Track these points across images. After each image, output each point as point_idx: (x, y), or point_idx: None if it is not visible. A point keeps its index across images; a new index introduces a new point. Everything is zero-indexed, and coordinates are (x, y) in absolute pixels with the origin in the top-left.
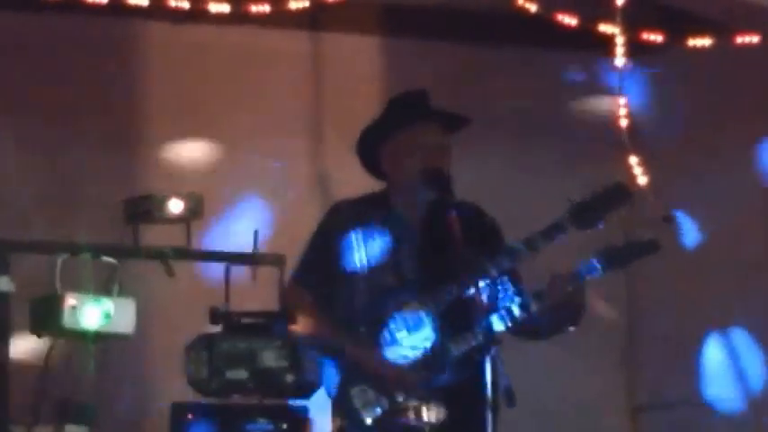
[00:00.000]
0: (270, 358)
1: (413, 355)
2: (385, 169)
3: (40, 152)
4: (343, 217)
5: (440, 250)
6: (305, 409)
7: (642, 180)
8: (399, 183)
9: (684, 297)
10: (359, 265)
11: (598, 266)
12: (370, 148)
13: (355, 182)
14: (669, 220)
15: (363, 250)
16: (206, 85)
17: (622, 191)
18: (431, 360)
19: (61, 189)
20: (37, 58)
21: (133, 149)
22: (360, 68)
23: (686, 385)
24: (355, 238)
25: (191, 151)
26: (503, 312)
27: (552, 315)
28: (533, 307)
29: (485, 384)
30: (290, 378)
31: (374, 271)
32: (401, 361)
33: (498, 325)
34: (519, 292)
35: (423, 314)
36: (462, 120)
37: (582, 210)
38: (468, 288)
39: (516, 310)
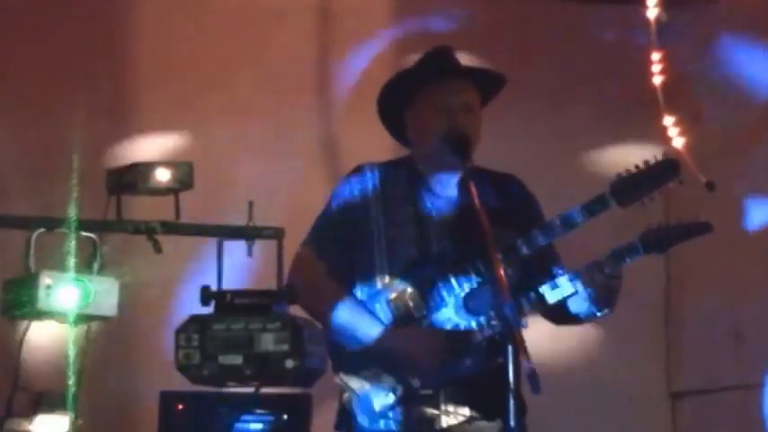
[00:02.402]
0: (268, 342)
1: (432, 337)
2: (409, 134)
3: (14, 117)
4: (365, 179)
5: (469, 224)
6: (307, 399)
7: (678, 142)
8: (424, 149)
9: (729, 274)
10: (378, 235)
11: (640, 248)
12: (394, 112)
13: (365, 147)
14: (712, 188)
15: (385, 218)
16: (200, 42)
17: (671, 165)
18: (452, 344)
19: (37, 157)
20: (14, 15)
21: (118, 114)
22: (370, 23)
23: (732, 369)
24: (377, 203)
25: (180, 116)
26: (533, 294)
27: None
28: (567, 289)
29: (507, 370)
30: (290, 364)
31: (396, 243)
32: (419, 344)
33: (528, 306)
34: (552, 273)
35: (445, 293)
36: (495, 78)
37: (626, 184)
38: (497, 266)
39: (548, 292)
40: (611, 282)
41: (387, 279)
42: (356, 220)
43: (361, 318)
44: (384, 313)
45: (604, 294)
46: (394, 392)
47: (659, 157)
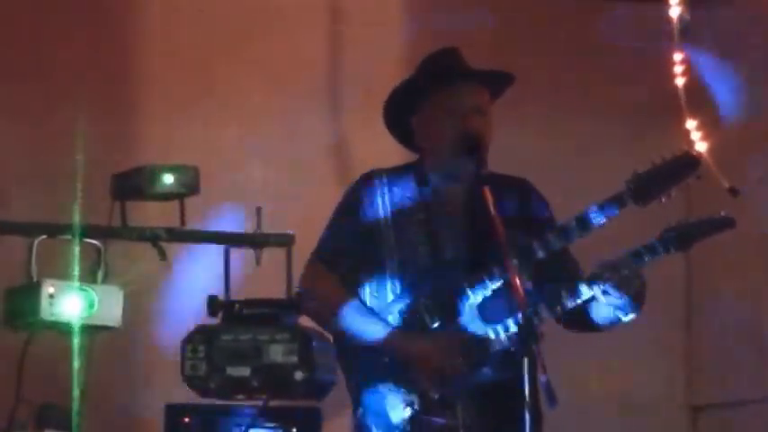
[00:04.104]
0: (277, 353)
1: (448, 337)
2: (418, 140)
3: (15, 120)
4: (374, 186)
5: (483, 230)
6: (317, 412)
7: (701, 146)
8: (435, 154)
9: (753, 282)
10: (389, 243)
11: (660, 247)
12: (400, 117)
13: (376, 152)
14: (736, 194)
15: (395, 226)
16: (207, 44)
17: (688, 159)
18: (469, 353)
19: (39, 161)
20: (16, 16)
21: (123, 117)
22: (381, 22)
23: (755, 382)
24: (387, 211)
25: (187, 119)
26: (549, 299)
27: (608, 303)
28: (585, 293)
29: (523, 382)
30: (299, 376)
31: (407, 251)
32: (435, 354)
33: (545, 313)
34: (569, 276)
35: (460, 301)
36: (504, 77)
37: (643, 181)
38: (513, 273)
39: (566, 297)
40: (632, 284)
41: (399, 288)
42: (366, 228)
43: (369, 319)
44: (397, 324)
45: (627, 297)
46: (411, 405)
47: (676, 152)
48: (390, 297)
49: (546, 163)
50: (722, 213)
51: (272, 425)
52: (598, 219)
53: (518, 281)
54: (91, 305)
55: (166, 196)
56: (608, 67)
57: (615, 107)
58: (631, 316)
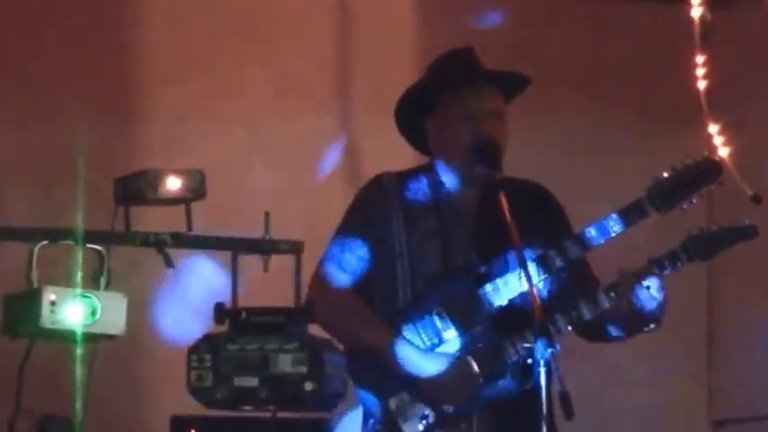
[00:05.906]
0: (285, 363)
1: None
2: (431, 142)
3: (15, 122)
4: (384, 190)
5: (496, 237)
6: (326, 424)
7: (723, 151)
8: (449, 157)
9: None
10: (400, 249)
11: (682, 256)
12: (413, 120)
13: (389, 155)
14: (759, 200)
15: (406, 232)
16: (213, 43)
17: (711, 164)
18: (484, 364)
19: (40, 164)
20: (16, 18)
21: (126, 119)
22: (393, 21)
23: None
24: (398, 215)
25: (192, 121)
26: (568, 309)
27: (628, 313)
28: (604, 303)
29: (540, 394)
30: (309, 386)
31: (418, 257)
32: (449, 365)
33: (562, 324)
34: (587, 286)
35: (474, 308)
36: (520, 80)
37: (663, 188)
38: (529, 281)
39: (584, 307)
40: (652, 295)
41: (410, 295)
42: (376, 233)
43: (379, 328)
44: (412, 336)
45: (646, 309)
46: (425, 419)
47: (698, 157)
48: (401, 304)
49: (562, 168)
50: (746, 221)
51: None
52: (618, 227)
53: (534, 290)
54: (93, 312)
55: (171, 201)
56: (625, 69)
57: (633, 111)
58: (652, 327)
